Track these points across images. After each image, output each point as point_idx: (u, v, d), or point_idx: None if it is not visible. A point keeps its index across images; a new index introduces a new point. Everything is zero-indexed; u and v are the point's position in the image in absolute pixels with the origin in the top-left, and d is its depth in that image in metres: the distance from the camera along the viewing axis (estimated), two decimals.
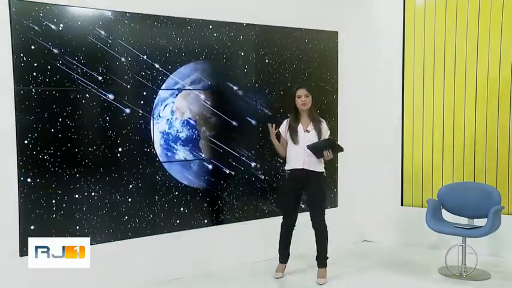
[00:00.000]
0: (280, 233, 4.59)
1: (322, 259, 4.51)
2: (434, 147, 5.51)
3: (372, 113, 5.69)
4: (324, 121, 4.53)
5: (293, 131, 4.45)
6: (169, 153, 4.54)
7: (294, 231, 4.58)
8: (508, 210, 5.08)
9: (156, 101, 4.46)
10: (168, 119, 4.55)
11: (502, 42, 5.15)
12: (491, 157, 5.23)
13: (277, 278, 4.58)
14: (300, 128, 4.45)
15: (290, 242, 4.60)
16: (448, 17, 5.38)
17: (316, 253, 4.52)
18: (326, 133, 4.47)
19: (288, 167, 4.51)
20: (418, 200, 5.58)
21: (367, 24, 5.71)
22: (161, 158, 4.50)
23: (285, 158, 4.55)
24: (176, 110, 4.57)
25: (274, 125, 4.56)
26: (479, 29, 5.23)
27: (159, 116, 4.49)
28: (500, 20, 5.15)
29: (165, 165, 4.51)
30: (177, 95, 4.58)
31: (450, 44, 5.38)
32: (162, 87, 4.46)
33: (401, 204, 5.69)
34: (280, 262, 4.64)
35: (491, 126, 5.23)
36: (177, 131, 4.59)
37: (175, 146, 4.58)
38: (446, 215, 4.91)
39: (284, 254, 4.62)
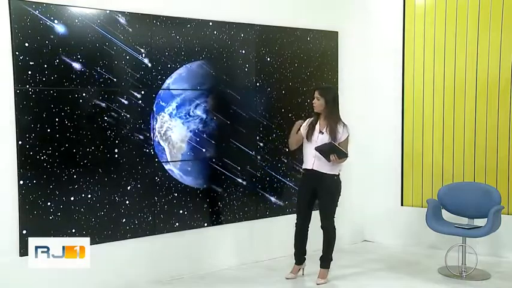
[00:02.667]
0: (294, 233, 4.55)
1: (324, 260, 4.50)
2: (434, 147, 5.51)
3: (371, 113, 5.69)
4: (343, 125, 4.40)
5: (310, 129, 4.42)
6: (198, 152, 4.64)
7: (308, 231, 4.52)
8: (508, 210, 5.07)
9: (179, 101, 4.53)
10: (201, 118, 4.64)
11: (502, 42, 5.15)
12: (491, 157, 5.23)
13: (286, 279, 4.54)
14: (317, 128, 4.42)
15: (305, 242, 4.53)
16: (448, 17, 5.37)
17: (320, 256, 4.51)
18: (342, 137, 4.37)
19: (303, 166, 4.51)
20: (418, 200, 5.58)
21: (367, 24, 5.71)
22: (184, 157, 4.58)
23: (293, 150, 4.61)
24: (209, 110, 4.71)
25: (301, 121, 4.53)
26: (479, 29, 5.23)
27: (189, 115, 4.57)
28: (500, 20, 5.14)
29: (171, 165, 4.53)
30: (208, 95, 4.67)
31: (450, 44, 5.37)
32: (163, 87, 4.46)
33: (401, 204, 5.69)
34: (295, 263, 4.59)
35: (491, 126, 5.23)
36: (212, 129, 4.73)
37: (205, 144, 4.69)
38: (446, 215, 4.90)
39: (297, 255, 4.56)
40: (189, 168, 4.63)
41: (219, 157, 4.79)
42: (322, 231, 4.47)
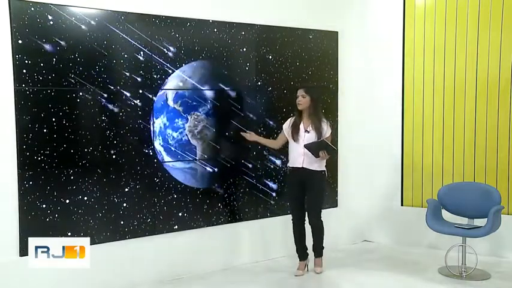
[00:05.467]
0: (292, 230, 4.66)
1: (318, 249, 4.64)
2: (434, 147, 5.51)
3: (372, 113, 5.69)
4: (326, 122, 4.57)
5: (295, 129, 4.53)
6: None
7: (305, 226, 4.64)
8: (508, 210, 5.08)
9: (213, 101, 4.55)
10: (209, 118, 4.73)
11: (502, 42, 5.15)
12: (491, 157, 5.23)
13: (296, 276, 4.61)
14: (302, 127, 4.51)
15: (304, 237, 4.65)
16: (448, 17, 5.37)
17: (312, 246, 4.64)
18: (326, 134, 4.51)
19: (289, 164, 4.61)
20: (418, 200, 5.58)
21: (367, 24, 5.71)
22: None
23: (279, 151, 4.71)
24: None
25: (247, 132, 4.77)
26: (479, 29, 5.23)
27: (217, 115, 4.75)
28: (500, 20, 5.14)
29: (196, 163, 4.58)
30: (209, 95, 4.72)
31: (450, 44, 5.37)
32: (163, 87, 4.45)
33: (401, 204, 5.68)
34: (299, 260, 4.69)
35: (491, 126, 5.23)
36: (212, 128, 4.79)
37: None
38: (446, 215, 4.90)
39: (300, 251, 4.68)
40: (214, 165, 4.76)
41: (219, 157, 4.79)
42: (310, 227, 4.59)
